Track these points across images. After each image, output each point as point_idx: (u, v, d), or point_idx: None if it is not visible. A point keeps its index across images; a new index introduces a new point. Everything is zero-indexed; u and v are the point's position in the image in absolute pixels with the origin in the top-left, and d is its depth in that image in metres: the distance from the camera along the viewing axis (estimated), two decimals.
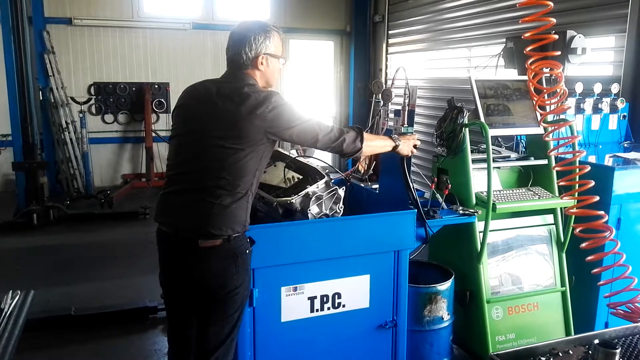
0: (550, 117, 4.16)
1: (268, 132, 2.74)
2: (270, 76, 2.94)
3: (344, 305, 3.36)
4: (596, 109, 4.88)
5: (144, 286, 5.61)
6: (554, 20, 3.81)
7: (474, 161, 3.96)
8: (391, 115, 3.94)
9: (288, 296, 3.22)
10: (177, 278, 2.85)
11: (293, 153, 3.88)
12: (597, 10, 6.23)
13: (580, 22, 6.22)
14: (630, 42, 5.80)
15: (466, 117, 3.93)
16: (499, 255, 4.13)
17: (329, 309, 3.33)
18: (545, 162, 4.17)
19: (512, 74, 4.73)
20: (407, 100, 3.73)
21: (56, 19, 10.12)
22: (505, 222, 4.15)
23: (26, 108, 8.12)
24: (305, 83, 12.16)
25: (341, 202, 3.42)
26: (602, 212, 3.85)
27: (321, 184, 3.35)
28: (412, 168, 3.66)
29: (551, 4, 3.73)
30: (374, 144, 3.25)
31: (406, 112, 3.71)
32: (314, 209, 3.27)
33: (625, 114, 5.05)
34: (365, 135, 3.10)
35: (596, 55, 5.99)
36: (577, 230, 3.98)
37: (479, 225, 3.94)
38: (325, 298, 3.31)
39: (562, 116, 4.23)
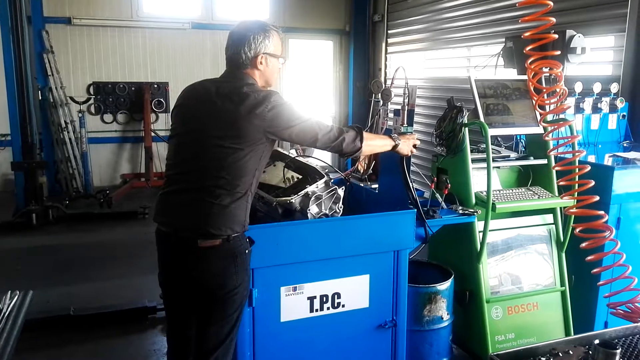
0: (549, 117, 4.16)
1: (267, 132, 2.73)
2: (269, 76, 2.93)
3: (343, 305, 3.36)
4: (595, 109, 4.87)
5: (143, 286, 5.60)
6: (553, 19, 3.81)
7: (473, 161, 3.96)
8: (391, 115, 3.93)
9: (287, 296, 3.21)
10: (176, 278, 2.85)
11: (292, 153, 3.87)
12: (597, 10, 6.23)
13: (579, 22, 6.22)
14: (630, 42, 5.80)
15: (466, 116, 3.92)
16: (498, 255, 4.12)
17: (328, 308, 3.33)
18: (544, 161, 4.16)
19: (511, 74, 4.73)
20: (406, 100, 3.72)
21: (55, 19, 10.11)
22: (504, 222, 4.15)
23: (25, 108, 8.11)
24: (305, 83, 12.15)
25: (341, 202, 3.42)
26: (602, 212, 3.84)
27: (321, 183, 3.34)
28: (411, 168, 3.66)
29: (551, 3, 3.73)
30: (374, 144, 3.25)
31: (406, 112, 3.71)
32: (313, 209, 3.27)
33: (624, 113, 5.05)
34: (365, 134, 3.09)
35: (595, 54, 5.99)
36: (577, 230, 3.97)
37: (479, 225, 3.94)
38: (324, 298, 3.31)
39: (561, 116, 4.23)
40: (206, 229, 2.67)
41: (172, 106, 3.02)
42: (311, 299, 3.28)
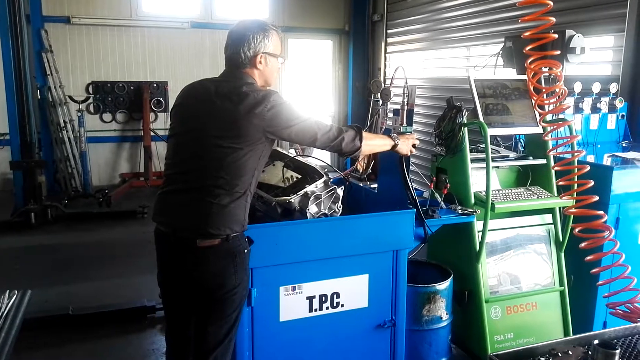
0: (549, 117, 4.16)
1: (267, 131, 2.73)
2: (268, 75, 2.93)
3: (342, 305, 3.36)
4: (595, 109, 4.87)
5: (142, 285, 5.60)
6: (553, 19, 3.81)
7: (472, 160, 3.95)
8: (390, 115, 3.94)
9: (286, 296, 3.21)
10: (175, 278, 2.85)
11: (292, 152, 3.87)
12: (596, 10, 6.23)
13: (578, 22, 6.22)
14: (629, 42, 5.80)
15: (465, 116, 3.92)
16: (497, 254, 4.12)
17: (327, 308, 3.32)
18: (544, 161, 4.16)
19: (511, 74, 4.73)
20: (405, 100, 3.72)
21: (54, 18, 10.10)
22: (503, 222, 4.14)
23: (24, 107, 8.10)
24: (304, 82, 12.15)
25: (340, 202, 3.41)
26: (601, 212, 3.85)
27: (320, 183, 3.34)
28: (410, 167, 3.66)
29: (551, 3, 3.73)
30: (373, 143, 3.25)
31: (405, 112, 3.71)
32: (312, 209, 3.27)
33: (623, 113, 5.05)
34: (364, 134, 3.09)
35: (595, 54, 5.99)
36: (577, 230, 3.97)
37: (478, 225, 3.94)
38: (323, 298, 3.30)
39: (560, 116, 4.23)
40: (205, 228, 2.67)
41: (171, 105, 3.01)
42: (310, 298, 3.27)
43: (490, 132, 3.91)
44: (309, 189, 3.28)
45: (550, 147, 4.12)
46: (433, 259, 4.32)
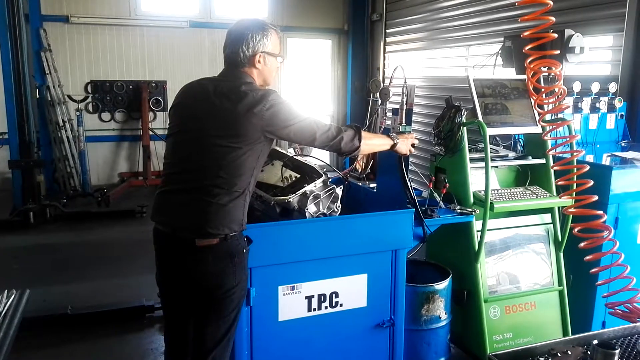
0: (548, 116, 4.16)
1: (265, 131, 2.73)
2: (267, 74, 2.93)
3: (341, 305, 3.35)
4: (594, 108, 4.88)
5: (141, 285, 5.59)
6: (553, 18, 3.81)
7: (471, 160, 3.95)
8: (389, 114, 3.93)
9: (285, 295, 3.21)
10: (174, 277, 2.84)
11: (290, 152, 3.87)
12: (595, 10, 6.23)
13: (578, 21, 6.23)
14: (628, 42, 5.81)
15: (464, 116, 3.92)
16: (496, 254, 4.12)
17: (326, 308, 3.32)
18: (543, 161, 4.16)
19: (510, 73, 4.73)
20: (405, 99, 3.72)
21: (53, 17, 10.09)
22: (502, 222, 4.14)
23: (23, 106, 8.11)
24: (303, 82, 12.14)
25: (339, 201, 3.41)
26: (600, 212, 3.85)
27: (319, 182, 3.33)
28: (410, 167, 3.66)
29: (551, 2, 3.73)
30: (372, 143, 3.25)
31: (404, 111, 3.71)
32: (311, 208, 3.26)
33: (622, 113, 5.05)
34: (364, 133, 3.08)
35: (594, 54, 5.99)
36: (576, 229, 3.97)
37: (477, 225, 3.94)
38: (322, 297, 3.30)
39: (560, 115, 4.23)
40: (204, 228, 2.66)
41: (170, 105, 3.01)
42: (309, 298, 3.27)
43: (490, 131, 3.90)
44: (307, 188, 3.27)
45: (550, 147, 4.11)
46: (432, 259, 4.33)
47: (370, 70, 11.81)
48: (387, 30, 11.14)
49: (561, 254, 4.22)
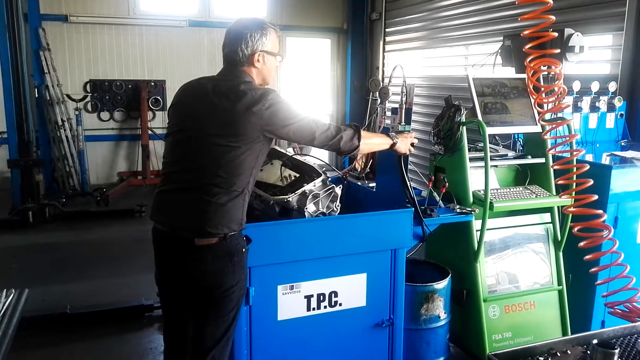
0: (547, 116, 4.15)
1: (265, 130, 2.72)
2: (266, 74, 2.92)
3: (340, 304, 3.35)
4: (593, 108, 4.88)
5: (140, 284, 5.58)
6: (553, 17, 3.81)
7: (471, 159, 3.95)
8: (388, 114, 3.93)
9: (284, 295, 3.20)
10: (173, 276, 2.84)
11: (290, 151, 3.86)
12: (595, 9, 6.23)
13: (577, 20, 6.23)
14: (628, 41, 5.80)
15: (463, 115, 3.92)
16: (495, 253, 4.12)
17: (325, 307, 3.32)
18: (542, 160, 4.16)
19: (509, 72, 4.72)
20: (404, 98, 3.71)
21: (52, 16, 10.09)
22: (502, 221, 4.14)
23: (22, 105, 8.10)
24: (302, 81, 12.14)
25: (338, 201, 3.40)
26: (600, 211, 3.84)
27: (318, 182, 3.33)
28: (409, 166, 3.65)
29: (551, 1, 3.73)
30: (372, 142, 3.24)
31: (403, 110, 3.70)
32: (310, 207, 3.26)
33: (622, 112, 5.05)
34: (363, 133, 3.08)
35: (594, 53, 5.98)
36: (576, 229, 3.97)
37: (476, 224, 3.93)
38: (321, 297, 3.30)
39: (559, 114, 4.22)
40: (203, 227, 2.66)
41: (169, 104, 3.00)
42: (308, 297, 3.27)
43: (489, 130, 3.90)
44: (307, 187, 3.27)
45: (549, 146, 4.11)
46: (431, 258, 4.32)
47: (370, 70, 11.81)
48: (387, 30, 11.14)
49: (560, 254, 4.22)
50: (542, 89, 4.07)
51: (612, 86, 5.07)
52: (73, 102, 10.19)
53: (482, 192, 3.84)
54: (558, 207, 4.18)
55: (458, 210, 3.83)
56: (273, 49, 2.90)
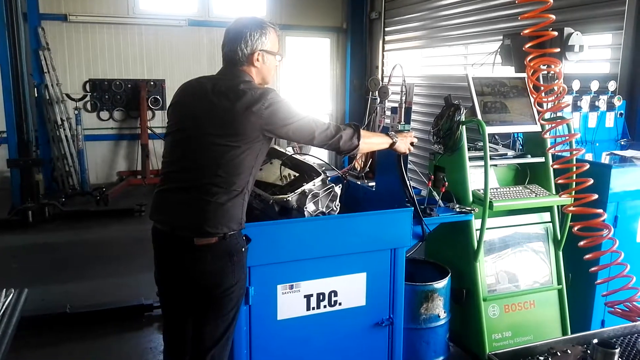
0: (547, 115, 4.15)
1: (264, 129, 2.72)
2: (266, 73, 2.92)
3: (340, 304, 3.35)
4: (593, 107, 4.87)
5: (140, 284, 5.58)
6: (553, 17, 3.80)
7: (470, 159, 3.95)
8: (388, 113, 3.92)
9: (284, 294, 3.20)
10: (172, 276, 2.84)
11: (289, 150, 3.86)
12: (594, 8, 6.23)
13: (577, 20, 6.22)
14: (627, 40, 5.80)
15: (463, 114, 3.92)
16: (495, 253, 4.12)
17: (325, 307, 3.32)
18: (542, 159, 4.16)
19: (509, 72, 4.72)
20: (404, 98, 3.71)
21: (51, 15, 10.07)
22: (502, 220, 4.14)
23: (21, 105, 8.10)
24: (302, 80, 12.13)
25: (337, 200, 3.40)
26: (600, 210, 3.84)
27: (317, 181, 3.33)
28: (408, 166, 3.65)
29: (551, 0, 3.72)
30: (371, 141, 3.24)
31: (403, 110, 3.70)
32: (310, 207, 3.25)
33: (622, 111, 5.04)
34: (362, 132, 3.08)
35: (593, 52, 5.98)
36: (575, 228, 3.97)
37: (476, 223, 3.93)
38: (321, 296, 3.30)
39: (559, 114, 4.22)
40: (203, 227, 2.66)
41: (168, 103, 3.00)
42: (308, 297, 3.26)
43: (489, 130, 3.90)
44: (306, 187, 3.27)
45: (549, 145, 4.11)
46: (431, 258, 4.32)
47: (369, 69, 11.81)
48: (386, 29, 11.13)
49: (560, 253, 4.22)
50: (542, 88, 4.07)
51: (612, 85, 5.07)
52: (72, 102, 10.18)
53: (482, 191, 3.83)
54: (558, 206, 4.18)
55: (458, 210, 3.83)
56: (272, 48, 2.89)
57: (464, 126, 3.91)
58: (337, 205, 3.40)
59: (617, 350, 2.10)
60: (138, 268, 5.98)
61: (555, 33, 3.98)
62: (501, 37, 4.94)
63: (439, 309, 3.86)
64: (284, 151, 3.73)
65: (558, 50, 4.11)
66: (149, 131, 10.55)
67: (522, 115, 4.13)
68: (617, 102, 4.96)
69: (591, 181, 3.82)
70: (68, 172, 10.01)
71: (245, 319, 3.11)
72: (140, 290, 5.38)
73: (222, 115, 2.69)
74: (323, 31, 12.11)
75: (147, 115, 10.71)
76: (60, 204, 8.58)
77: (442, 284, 3.86)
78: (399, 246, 3.44)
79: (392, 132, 3.39)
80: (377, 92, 3.97)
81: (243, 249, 2.79)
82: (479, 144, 4.09)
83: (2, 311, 2.93)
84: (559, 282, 4.22)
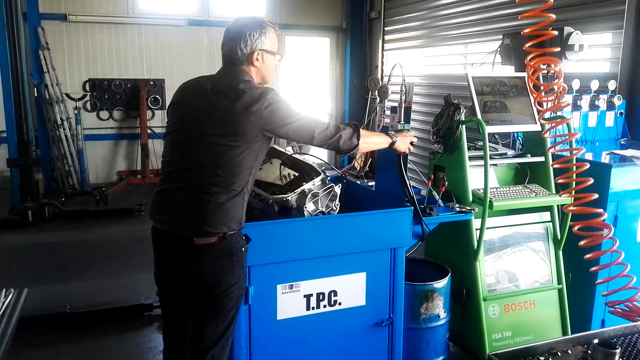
0: (547, 114, 4.14)
1: (264, 129, 2.72)
2: (265, 72, 2.92)
3: (340, 303, 3.35)
4: (593, 106, 4.86)
5: (139, 283, 5.57)
6: (553, 16, 3.80)
7: (470, 158, 3.95)
8: (387, 112, 3.92)
9: (284, 294, 3.20)
10: (172, 276, 2.84)
11: (289, 150, 3.86)
12: (594, 7, 6.22)
13: (577, 19, 6.22)
14: (627, 39, 5.80)
15: (463, 114, 3.91)
16: (495, 252, 4.12)
17: (325, 306, 3.31)
18: (542, 159, 4.16)
19: (509, 71, 4.71)
20: (403, 97, 3.71)
21: (51, 15, 10.07)
22: (501, 220, 4.13)
23: (21, 105, 8.10)
24: (301, 80, 12.12)
25: (337, 200, 3.40)
26: (600, 210, 3.84)
27: (317, 181, 3.33)
28: (408, 165, 3.65)
29: None
30: (371, 141, 3.24)
31: (403, 109, 3.70)
32: (310, 206, 3.25)
33: (622, 111, 5.03)
34: (362, 131, 3.07)
35: (593, 52, 5.98)
36: (576, 228, 3.97)
37: (476, 223, 3.93)
38: (321, 296, 3.29)
39: (559, 113, 4.22)
40: (202, 226, 2.65)
41: (168, 103, 3.00)
42: (307, 296, 3.26)
43: (488, 129, 3.89)
44: (306, 186, 3.26)
45: (549, 145, 4.11)
46: (431, 257, 4.32)
47: (369, 68, 11.80)
48: (386, 28, 11.13)
49: (560, 252, 4.21)
50: (542, 87, 4.06)
51: (612, 84, 5.06)
52: (72, 101, 10.17)
53: (482, 190, 3.83)
54: (558, 205, 4.17)
55: (457, 209, 3.82)
56: (272, 47, 2.89)
57: (464, 126, 3.90)
58: (337, 205, 3.40)
59: (618, 351, 2.10)
60: (138, 268, 5.98)
61: (556, 32, 3.97)
62: (501, 37, 4.94)
63: (439, 308, 3.86)
64: (284, 151, 3.73)
65: (558, 49, 4.11)
66: (149, 131, 10.54)
67: (522, 114, 4.13)
68: (617, 101, 4.95)
69: (591, 181, 3.81)
70: (68, 171, 10.01)
71: (245, 318, 3.11)
72: (140, 290, 5.38)
73: (221, 115, 2.69)
74: (323, 30, 12.10)
75: (147, 115, 10.70)
76: (60, 204, 8.58)
77: (442, 283, 3.86)
78: (398, 246, 3.43)
79: (392, 132, 3.39)
80: (376, 91, 3.97)
81: (243, 249, 2.79)
82: (479, 144, 4.08)
83: (2, 311, 2.93)
84: (559, 282, 4.21)
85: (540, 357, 2.21)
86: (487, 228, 3.87)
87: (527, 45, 3.96)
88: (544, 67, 4.08)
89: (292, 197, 3.22)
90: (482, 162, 3.83)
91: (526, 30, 3.95)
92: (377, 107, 4.00)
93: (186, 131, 2.78)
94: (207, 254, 2.70)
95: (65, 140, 9.95)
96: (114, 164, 11.03)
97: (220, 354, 2.85)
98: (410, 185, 3.58)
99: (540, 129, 4.09)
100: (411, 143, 3.42)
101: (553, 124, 4.07)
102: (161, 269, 2.90)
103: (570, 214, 4.00)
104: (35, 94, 9.57)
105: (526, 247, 4.20)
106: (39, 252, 7.05)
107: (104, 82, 10.59)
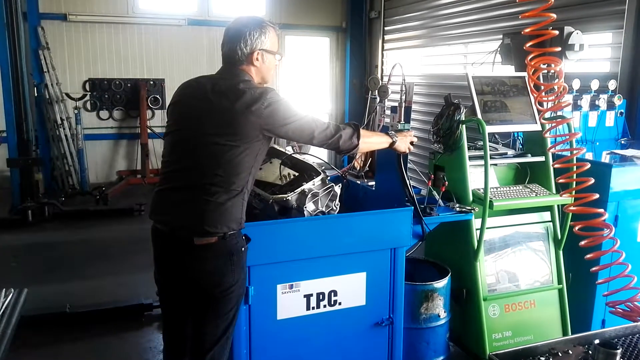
0: (547, 114, 4.14)
1: (264, 129, 2.71)
2: (265, 72, 2.91)
3: (340, 303, 3.35)
4: (593, 106, 4.86)
5: (139, 283, 5.56)
6: (554, 16, 3.80)
7: (470, 158, 3.94)
8: (387, 112, 3.92)
9: (284, 294, 3.20)
10: (172, 276, 2.83)
11: (289, 150, 3.85)
12: (594, 7, 6.22)
13: (577, 19, 6.22)
14: (628, 39, 5.79)
15: (463, 113, 3.91)
16: (495, 252, 4.11)
17: (325, 306, 3.31)
18: (542, 159, 4.15)
19: (509, 71, 4.71)
20: (403, 97, 3.71)
21: (51, 15, 10.07)
22: (502, 220, 4.13)
23: (21, 104, 8.11)
24: (301, 79, 12.12)
25: (337, 199, 3.40)
26: (601, 210, 3.84)
27: (317, 181, 3.32)
28: (408, 165, 3.64)
29: None
30: (371, 141, 3.24)
31: (403, 109, 3.70)
32: (310, 206, 3.25)
33: (622, 110, 5.03)
34: (362, 131, 3.07)
35: (593, 51, 5.97)
36: (576, 228, 3.96)
37: (476, 223, 3.93)
38: (321, 296, 3.29)
39: (559, 113, 4.21)
40: (202, 226, 2.65)
41: (168, 103, 2.99)
42: (308, 296, 3.26)
43: (489, 129, 3.89)
44: (306, 186, 3.26)
45: (549, 145, 4.10)
46: (431, 257, 4.31)
47: (369, 68, 11.81)
48: (386, 28, 11.13)
49: (560, 252, 4.21)
50: (543, 87, 4.06)
51: (612, 84, 5.06)
52: (72, 101, 10.16)
53: (482, 190, 3.83)
54: (558, 205, 4.17)
55: (458, 209, 3.82)
56: (272, 47, 2.89)
57: (464, 125, 3.90)
58: (337, 205, 3.39)
59: (618, 351, 2.10)
60: (137, 268, 5.97)
61: (556, 32, 3.97)
62: (501, 36, 4.94)
63: (439, 308, 3.86)
64: (284, 150, 3.73)
65: (558, 49, 4.10)
66: (149, 130, 10.54)
67: (522, 114, 4.13)
68: (618, 101, 4.95)
69: (592, 180, 3.81)
70: (68, 171, 10.00)
71: (245, 318, 3.11)
72: (140, 290, 5.38)
73: (221, 115, 2.68)
74: (322, 30, 12.10)
75: (147, 115, 10.70)
76: (60, 204, 8.58)
77: (442, 283, 3.85)
78: (398, 246, 3.43)
79: (392, 132, 3.39)
80: (376, 91, 3.97)
81: (243, 249, 2.79)
82: (479, 143, 4.08)
83: (2, 311, 2.92)
84: (560, 282, 4.21)
85: (541, 358, 2.21)
86: (487, 228, 3.87)
87: (528, 45, 3.95)
88: (544, 66, 4.08)
89: (292, 197, 3.22)
90: (482, 162, 3.83)
91: (526, 30, 3.95)
92: (377, 107, 4.00)
93: (186, 131, 2.78)
94: (207, 254, 2.69)
95: (65, 140, 9.95)
96: (114, 163, 11.03)
97: (220, 354, 2.85)
98: (410, 185, 3.57)
99: (540, 129, 4.09)
100: (411, 143, 3.42)
101: (553, 124, 4.07)
102: (161, 268, 2.89)
103: (571, 214, 3.99)
104: (35, 94, 9.56)
105: (526, 247, 4.20)
106: (39, 251, 7.05)
107: (104, 82, 10.59)
